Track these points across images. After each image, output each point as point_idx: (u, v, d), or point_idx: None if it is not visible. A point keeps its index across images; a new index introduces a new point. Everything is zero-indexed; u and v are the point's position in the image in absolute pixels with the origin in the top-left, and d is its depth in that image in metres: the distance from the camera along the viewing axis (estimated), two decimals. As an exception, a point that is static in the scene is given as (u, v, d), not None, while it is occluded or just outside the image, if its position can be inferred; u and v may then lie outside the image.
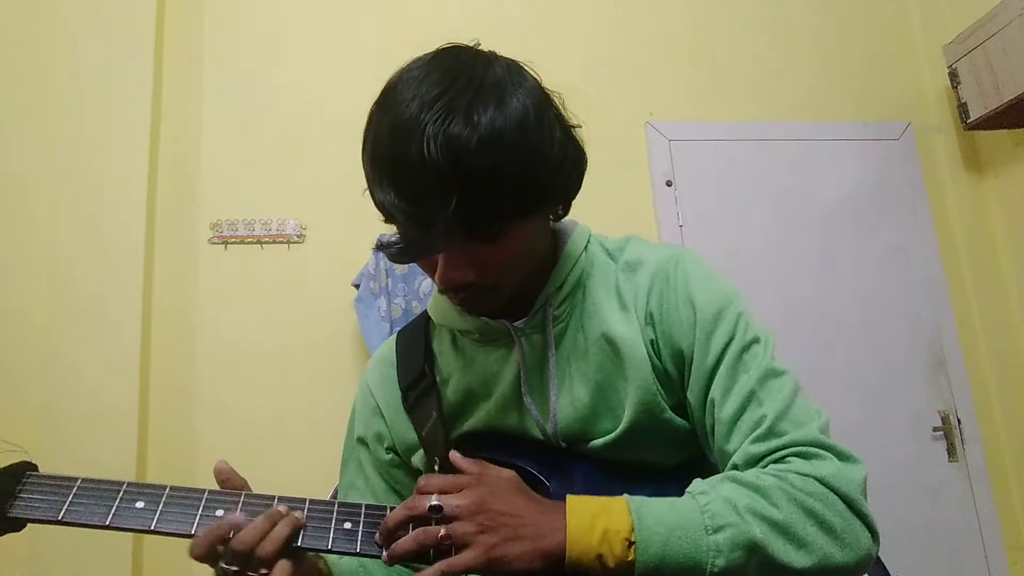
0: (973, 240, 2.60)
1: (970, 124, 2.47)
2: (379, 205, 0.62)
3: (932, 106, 2.72)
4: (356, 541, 0.63)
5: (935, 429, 2.42)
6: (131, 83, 2.13)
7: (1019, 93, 2.23)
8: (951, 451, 2.41)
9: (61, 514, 0.62)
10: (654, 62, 2.57)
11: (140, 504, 0.63)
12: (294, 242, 2.21)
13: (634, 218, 2.43)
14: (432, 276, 0.67)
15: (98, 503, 0.62)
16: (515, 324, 0.75)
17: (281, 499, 0.64)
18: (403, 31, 2.32)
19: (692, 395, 0.71)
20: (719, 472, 0.67)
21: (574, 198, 0.73)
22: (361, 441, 0.85)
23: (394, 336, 0.88)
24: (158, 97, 2.20)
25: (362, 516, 0.64)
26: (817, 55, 2.69)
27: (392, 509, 0.63)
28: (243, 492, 0.65)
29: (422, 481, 0.63)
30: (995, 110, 2.35)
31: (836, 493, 0.60)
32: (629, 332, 0.72)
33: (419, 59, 0.65)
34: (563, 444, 0.74)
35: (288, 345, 2.14)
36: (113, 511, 0.62)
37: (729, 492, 0.60)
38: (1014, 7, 2.23)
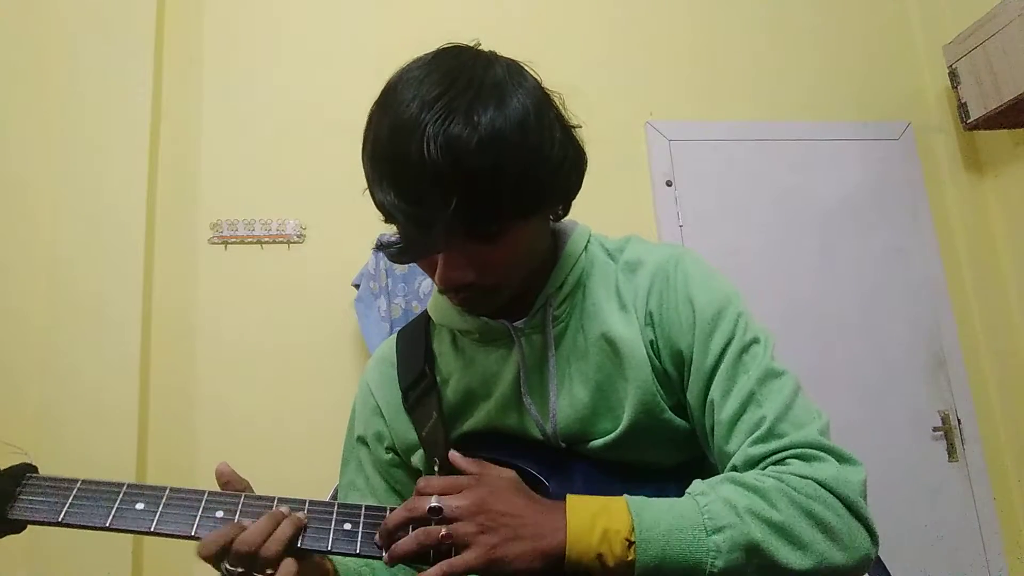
0: (973, 240, 2.60)
1: (970, 124, 2.47)
2: (379, 205, 0.62)
3: (932, 106, 2.72)
4: (356, 542, 0.63)
5: (935, 429, 2.42)
6: (131, 83, 2.13)
7: (1019, 93, 2.23)
8: (951, 451, 2.41)
9: (61, 516, 0.62)
10: (654, 62, 2.57)
11: (140, 505, 0.63)
12: (294, 242, 2.21)
13: (634, 218, 2.43)
14: (432, 276, 0.67)
15: (98, 505, 0.62)
16: (515, 324, 0.75)
17: (281, 500, 0.64)
18: (403, 31, 2.32)
19: (692, 396, 0.71)
20: (719, 473, 0.67)
21: (574, 198, 0.73)
22: (361, 440, 0.85)
23: (394, 336, 0.88)
24: (158, 97, 2.20)
25: (362, 517, 0.64)
26: (817, 55, 2.69)
27: (392, 510, 0.63)
28: (243, 493, 0.65)
29: (421, 482, 0.63)
30: (995, 110, 2.35)
31: (836, 495, 0.60)
32: (629, 332, 0.72)
33: (419, 59, 0.65)
34: (563, 444, 0.74)
35: (288, 345, 2.14)
36: (113, 513, 0.62)
37: (729, 493, 0.60)
38: (1014, 7, 2.23)
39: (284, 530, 0.61)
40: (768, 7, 2.70)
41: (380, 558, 0.61)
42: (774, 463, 0.64)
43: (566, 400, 0.74)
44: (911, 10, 2.80)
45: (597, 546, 0.57)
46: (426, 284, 2.08)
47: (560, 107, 0.69)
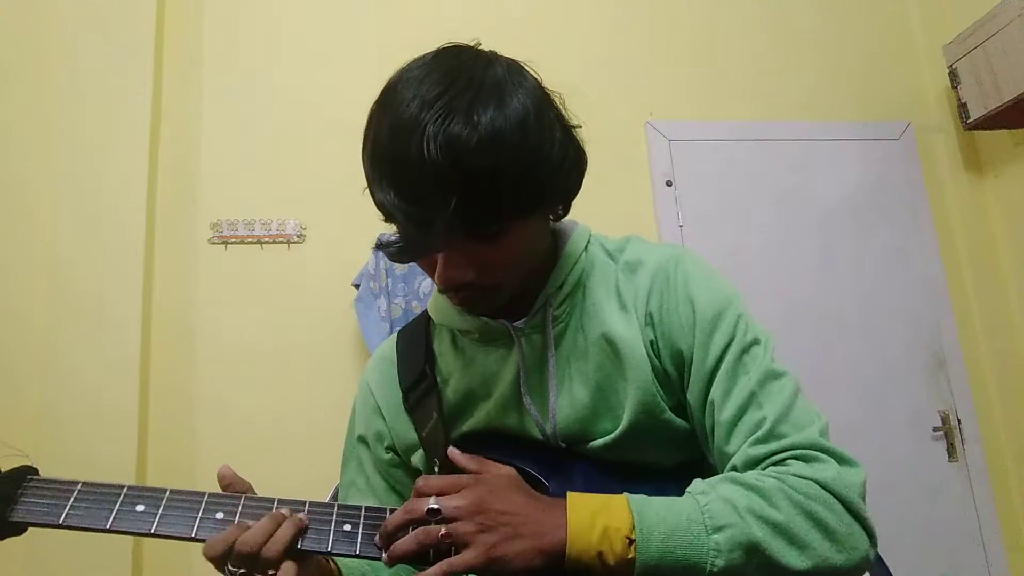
0: (973, 240, 2.60)
1: (970, 124, 2.48)
2: (379, 205, 0.62)
3: (932, 106, 2.72)
4: (356, 543, 0.63)
5: (935, 429, 2.42)
6: (131, 83, 2.13)
7: (1019, 93, 2.24)
8: (951, 451, 2.41)
9: (62, 518, 0.62)
10: (654, 62, 2.57)
11: (140, 508, 0.63)
12: (294, 242, 2.22)
13: (634, 218, 2.43)
14: (432, 276, 0.67)
15: (99, 507, 0.63)
16: (515, 324, 0.75)
17: (281, 502, 0.64)
18: (403, 31, 2.32)
19: (692, 396, 0.71)
20: (719, 473, 0.67)
21: (574, 198, 0.73)
22: (361, 440, 0.85)
23: (395, 335, 0.88)
24: (158, 97, 2.20)
25: (362, 518, 0.64)
26: (817, 55, 2.69)
27: (392, 511, 0.63)
28: (243, 495, 0.65)
29: (420, 482, 0.63)
30: (995, 110, 2.35)
31: (836, 496, 0.61)
32: (629, 332, 0.72)
33: (419, 59, 0.65)
34: (563, 444, 0.74)
35: (288, 345, 2.14)
36: (114, 515, 0.62)
37: (729, 493, 0.60)
38: (1014, 7, 2.23)
39: (285, 531, 0.61)
40: (768, 7, 2.70)
41: (380, 559, 0.61)
42: (774, 464, 0.64)
43: (566, 400, 0.74)
44: (911, 10, 2.80)
45: (597, 544, 0.57)
46: (426, 284, 2.08)
47: (560, 107, 0.69)
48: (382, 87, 0.65)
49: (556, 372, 0.74)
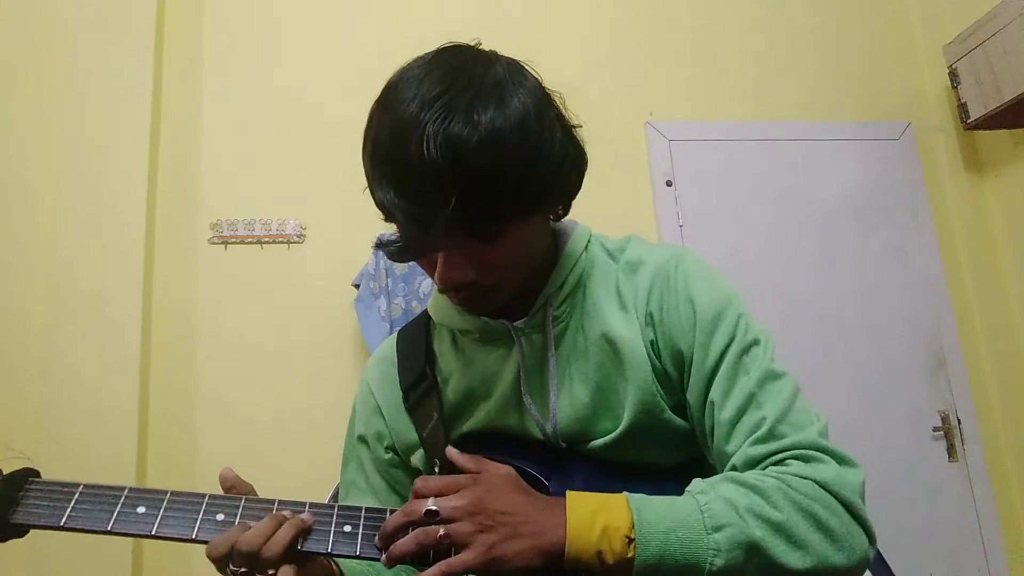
0: (973, 240, 2.60)
1: (970, 124, 2.48)
2: (379, 204, 0.63)
3: (932, 106, 2.72)
4: (356, 544, 0.63)
5: (935, 429, 2.42)
6: (131, 83, 2.13)
7: (1019, 93, 2.24)
8: (951, 451, 2.41)
9: (63, 520, 0.62)
10: (654, 62, 2.57)
11: (141, 509, 0.63)
12: (294, 242, 2.22)
13: (634, 218, 2.43)
14: (432, 275, 0.67)
15: (100, 509, 0.63)
16: (515, 324, 0.75)
17: (282, 503, 0.64)
18: (403, 31, 2.32)
19: (692, 396, 0.71)
20: (718, 473, 0.67)
21: (574, 198, 0.73)
22: (361, 440, 0.85)
23: (395, 335, 0.88)
24: (158, 97, 2.20)
25: (362, 519, 0.64)
26: (817, 55, 2.69)
27: (391, 513, 0.63)
28: (244, 497, 0.65)
29: (418, 483, 0.63)
30: (995, 110, 2.35)
31: (835, 497, 0.61)
32: (629, 332, 0.72)
33: (420, 58, 0.65)
34: (563, 444, 0.74)
35: (288, 345, 2.14)
36: (115, 517, 0.63)
37: (729, 492, 0.60)
38: (1014, 7, 2.23)
39: (285, 532, 0.61)
40: (768, 7, 2.70)
41: (380, 560, 0.61)
42: (774, 464, 0.64)
43: (566, 400, 0.74)
44: (911, 10, 2.81)
45: (597, 543, 0.57)
46: (426, 284, 2.08)
47: (560, 107, 0.69)
48: (382, 87, 0.65)
49: (556, 372, 0.74)
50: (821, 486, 0.61)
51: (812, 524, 0.59)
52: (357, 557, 0.63)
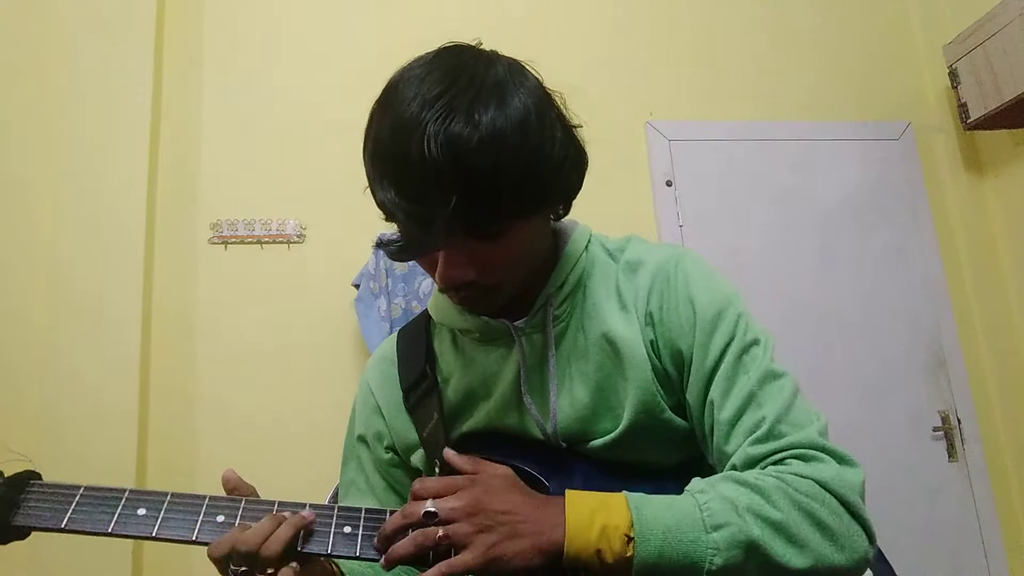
0: (973, 240, 2.60)
1: (970, 124, 2.48)
2: (380, 203, 0.63)
3: (932, 106, 2.72)
4: (356, 545, 0.63)
5: (935, 429, 2.42)
6: (131, 83, 2.13)
7: (1019, 93, 2.24)
8: (951, 451, 2.41)
9: (64, 522, 0.62)
10: (654, 62, 2.57)
11: (142, 511, 0.63)
12: (294, 242, 2.22)
13: (634, 218, 2.43)
14: (432, 274, 0.67)
15: (100, 511, 0.63)
16: (515, 324, 0.75)
17: (282, 504, 0.64)
18: (403, 31, 2.32)
19: (691, 396, 0.71)
20: (718, 472, 0.67)
21: (575, 198, 0.73)
22: (361, 439, 0.85)
23: (395, 335, 0.88)
24: (158, 97, 2.20)
25: (362, 520, 0.64)
26: (817, 55, 2.69)
27: (391, 514, 0.63)
28: (244, 498, 0.65)
29: (417, 484, 0.63)
30: (995, 110, 2.35)
31: (835, 496, 0.61)
32: (629, 332, 0.72)
33: (421, 58, 0.65)
34: (563, 444, 0.74)
35: (288, 345, 2.14)
36: (115, 518, 0.63)
37: (729, 491, 0.60)
38: (1014, 7, 2.23)
39: (284, 530, 0.61)
40: (768, 7, 2.70)
41: (379, 561, 0.61)
42: (773, 463, 0.64)
43: (566, 400, 0.74)
44: (911, 10, 2.81)
45: (596, 542, 0.57)
46: (426, 284, 2.08)
47: (561, 107, 0.69)
48: (382, 87, 0.65)
49: (556, 372, 0.74)
50: (821, 485, 0.61)
51: (812, 523, 0.59)
52: (357, 558, 0.63)
